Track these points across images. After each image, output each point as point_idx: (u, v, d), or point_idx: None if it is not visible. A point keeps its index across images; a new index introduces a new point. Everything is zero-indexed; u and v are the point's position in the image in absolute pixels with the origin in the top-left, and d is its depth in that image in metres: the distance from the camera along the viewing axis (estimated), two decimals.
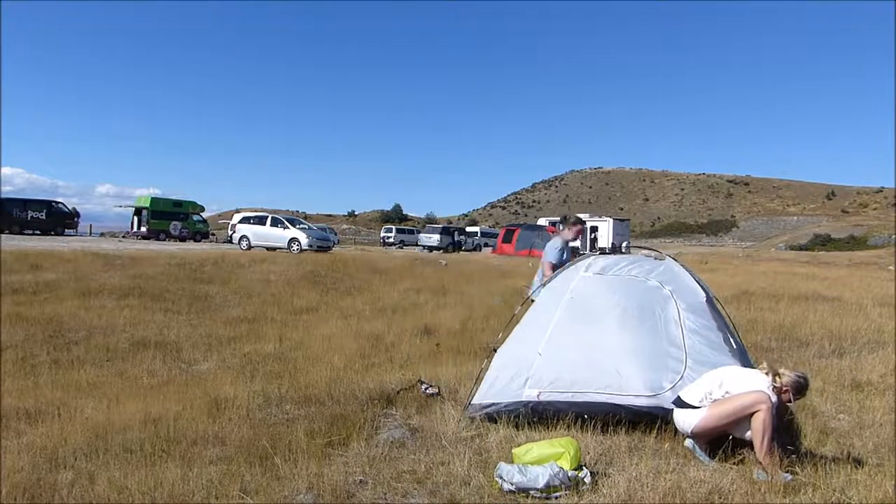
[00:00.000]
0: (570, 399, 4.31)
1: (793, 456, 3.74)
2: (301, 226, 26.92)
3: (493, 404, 4.48)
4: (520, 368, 4.58)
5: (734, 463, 3.76)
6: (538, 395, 4.36)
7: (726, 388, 3.85)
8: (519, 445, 3.83)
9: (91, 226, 43.12)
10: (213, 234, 41.29)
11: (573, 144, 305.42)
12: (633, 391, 4.23)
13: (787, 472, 3.56)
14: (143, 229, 34.98)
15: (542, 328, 4.80)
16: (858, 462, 3.93)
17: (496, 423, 4.43)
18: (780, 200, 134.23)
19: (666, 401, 4.14)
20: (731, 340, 4.70)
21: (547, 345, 4.62)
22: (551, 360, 4.53)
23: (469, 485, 3.49)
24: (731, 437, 3.83)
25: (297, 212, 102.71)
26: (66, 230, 34.17)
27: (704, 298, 4.85)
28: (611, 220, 39.87)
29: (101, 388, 5.99)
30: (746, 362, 4.57)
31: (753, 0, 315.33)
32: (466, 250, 42.17)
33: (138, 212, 35.91)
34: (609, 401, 4.23)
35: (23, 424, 4.79)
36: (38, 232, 32.12)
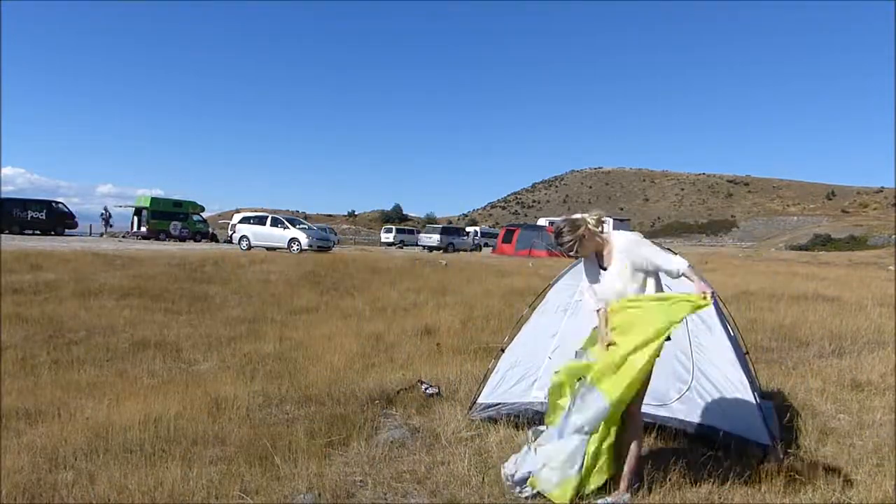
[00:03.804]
0: None
1: (792, 456, 3.74)
2: (301, 226, 26.90)
3: (499, 404, 4.49)
4: (528, 370, 4.58)
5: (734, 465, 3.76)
6: (545, 398, 4.36)
7: None
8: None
9: (91, 226, 43.08)
10: (214, 234, 41.18)
11: (573, 144, 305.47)
12: None
13: (787, 472, 3.56)
14: (143, 229, 34.96)
15: (551, 331, 4.78)
16: (858, 462, 3.93)
17: (496, 423, 4.43)
18: (780, 200, 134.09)
19: (673, 411, 4.13)
20: (737, 345, 4.68)
21: (555, 349, 4.62)
22: (559, 363, 4.52)
23: (469, 485, 3.49)
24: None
25: (297, 212, 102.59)
26: (66, 230, 34.18)
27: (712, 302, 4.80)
28: (611, 220, 39.78)
29: (101, 388, 5.98)
30: (746, 368, 4.55)
31: (753, 0, 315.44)
32: (462, 250, 41.75)
33: (138, 212, 35.88)
34: None
35: (23, 424, 4.79)
36: (38, 232, 32.12)
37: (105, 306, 10.59)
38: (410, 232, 53.62)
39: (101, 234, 37.42)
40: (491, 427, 4.40)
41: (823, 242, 69.18)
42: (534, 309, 5.23)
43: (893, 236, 61.15)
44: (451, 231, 45.87)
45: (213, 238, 38.16)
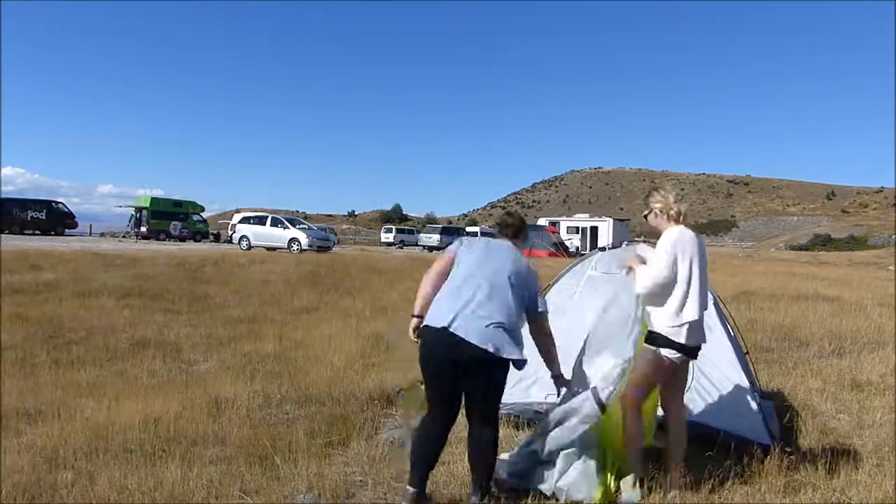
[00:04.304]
0: None
1: (792, 456, 3.73)
2: (301, 226, 26.94)
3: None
4: (528, 370, 4.56)
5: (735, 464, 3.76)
6: (545, 398, 4.35)
7: None
8: None
9: (91, 226, 43.11)
10: (217, 234, 41.11)
11: (573, 144, 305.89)
12: None
13: (787, 472, 3.55)
14: (143, 229, 34.95)
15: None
16: (858, 462, 3.93)
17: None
18: (780, 200, 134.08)
19: None
20: (737, 345, 4.67)
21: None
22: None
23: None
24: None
25: (297, 212, 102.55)
26: (66, 230, 34.20)
27: (712, 302, 4.80)
28: (611, 221, 39.88)
29: (101, 388, 5.97)
30: (746, 368, 4.54)
31: (753, 0, 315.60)
32: None
33: (138, 212, 35.88)
34: None
35: (23, 424, 4.79)
36: (38, 232, 32.13)
37: (105, 306, 10.58)
38: (410, 232, 53.58)
39: (127, 236, 35.62)
40: None
41: (823, 242, 69.27)
42: None
43: (893, 236, 61.20)
44: (451, 231, 45.87)
45: (216, 238, 38.14)
